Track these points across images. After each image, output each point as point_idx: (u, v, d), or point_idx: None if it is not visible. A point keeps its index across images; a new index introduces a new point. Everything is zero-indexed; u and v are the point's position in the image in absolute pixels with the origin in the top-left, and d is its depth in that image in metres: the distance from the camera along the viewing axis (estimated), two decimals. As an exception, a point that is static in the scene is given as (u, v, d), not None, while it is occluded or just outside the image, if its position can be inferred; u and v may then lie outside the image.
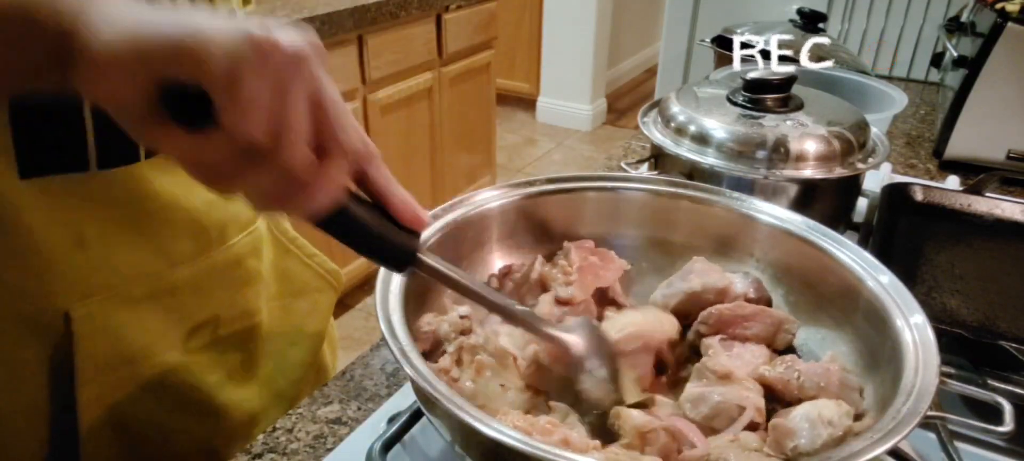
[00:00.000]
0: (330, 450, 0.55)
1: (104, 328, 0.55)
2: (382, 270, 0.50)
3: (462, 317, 0.53)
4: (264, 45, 0.32)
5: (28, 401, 0.54)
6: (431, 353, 0.52)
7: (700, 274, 0.59)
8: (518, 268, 0.61)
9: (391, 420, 0.56)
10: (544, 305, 0.57)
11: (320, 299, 0.76)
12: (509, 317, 0.50)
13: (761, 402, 0.49)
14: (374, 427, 0.57)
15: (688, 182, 0.66)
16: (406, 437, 0.55)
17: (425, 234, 0.56)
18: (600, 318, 0.58)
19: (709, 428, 0.48)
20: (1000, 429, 0.44)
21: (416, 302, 0.53)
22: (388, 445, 0.53)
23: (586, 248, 0.62)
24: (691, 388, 0.50)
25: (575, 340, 0.50)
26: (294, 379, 0.73)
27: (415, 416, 0.55)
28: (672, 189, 0.65)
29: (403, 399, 0.60)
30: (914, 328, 0.47)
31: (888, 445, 0.38)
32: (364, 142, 0.39)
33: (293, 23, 0.36)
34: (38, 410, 0.55)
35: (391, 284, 0.49)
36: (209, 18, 0.33)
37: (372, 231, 0.41)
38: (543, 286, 0.60)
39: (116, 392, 0.57)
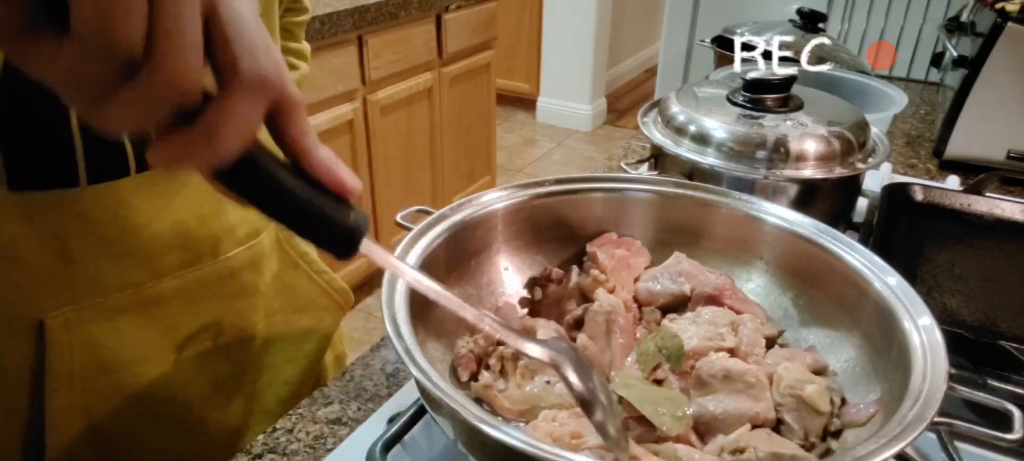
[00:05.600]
0: (330, 450, 0.55)
1: (81, 338, 0.54)
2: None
3: None
4: None
5: (5, 403, 0.54)
6: (477, 373, 0.53)
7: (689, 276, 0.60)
8: (557, 277, 0.61)
9: (391, 420, 0.56)
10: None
11: (325, 317, 0.75)
12: (486, 326, 0.42)
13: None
14: (374, 427, 0.57)
15: (697, 184, 0.66)
16: (406, 437, 0.55)
17: (433, 233, 0.56)
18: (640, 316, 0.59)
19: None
20: (1009, 436, 0.43)
21: (423, 301, 0.52)
22: (388, 445, 0.53)
23: (610, 242, 0.62)
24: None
25: (552, 355, 0.43)
26: (283, 397, 0.71)
27: (415, 416, 0.55)
28: (680, 191, 0.65)
29: (403, 399, 0.60)
30: (922, 331, 0.47)
31: (893, 450, 0.38)
32: (281, 77, 0.30)
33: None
34: (15, 412, 0.54)
35: (397, 283, 0.49)
36: None
37: (300, 198, 0.32)
38: (583, 295, 0.60)
39: (90, 401, 0.56)
